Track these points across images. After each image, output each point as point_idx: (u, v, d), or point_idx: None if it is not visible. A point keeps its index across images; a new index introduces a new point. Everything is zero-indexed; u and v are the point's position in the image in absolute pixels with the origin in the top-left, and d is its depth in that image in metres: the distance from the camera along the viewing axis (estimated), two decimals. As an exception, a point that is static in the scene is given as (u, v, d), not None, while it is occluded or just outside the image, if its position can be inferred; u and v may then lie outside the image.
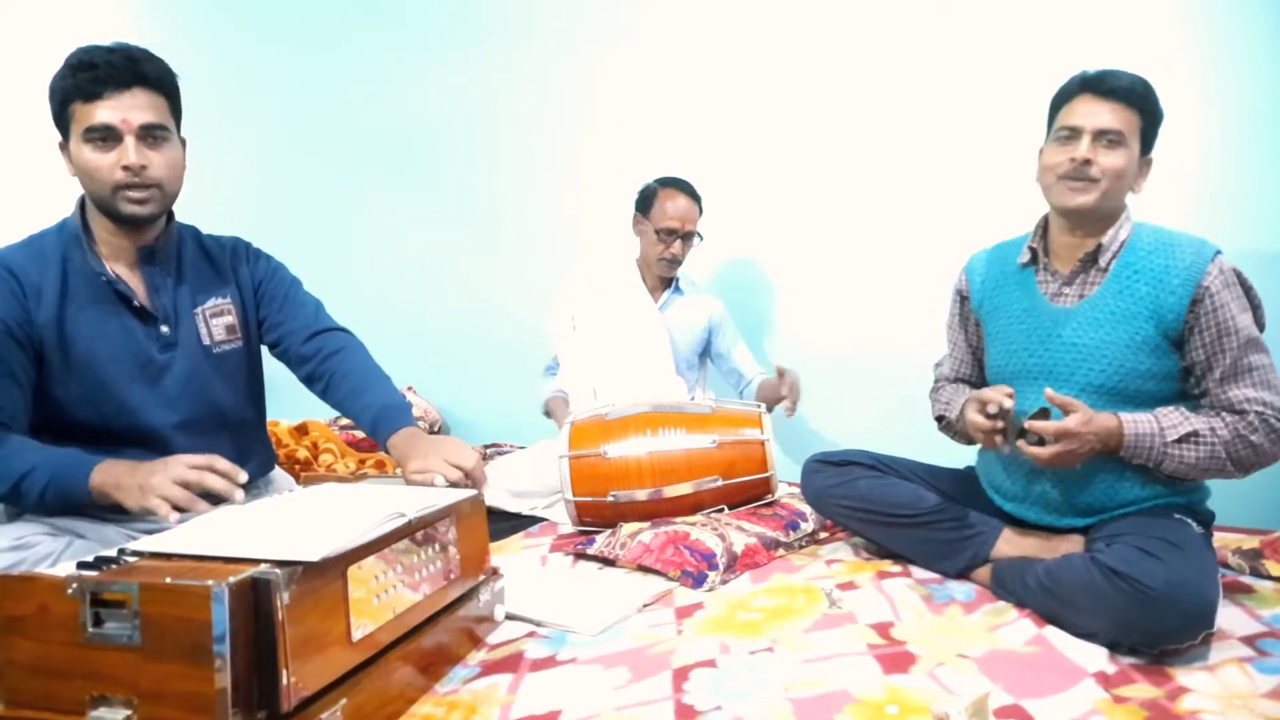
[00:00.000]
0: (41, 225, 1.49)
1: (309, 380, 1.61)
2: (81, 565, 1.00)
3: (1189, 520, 1.43)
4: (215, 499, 1.26)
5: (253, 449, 1.64)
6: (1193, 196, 2.08)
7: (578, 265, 2.75)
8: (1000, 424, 1.47)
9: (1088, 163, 1.44)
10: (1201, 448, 1.40)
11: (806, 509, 1.92)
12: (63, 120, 1.38)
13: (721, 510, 1.98)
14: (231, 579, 0.91)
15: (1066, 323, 1.51)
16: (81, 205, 1.46)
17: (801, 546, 1.86)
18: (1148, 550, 1.28)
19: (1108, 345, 1.46)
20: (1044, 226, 1.59)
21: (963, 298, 1.74)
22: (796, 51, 2.60)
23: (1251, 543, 1.65)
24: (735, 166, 2.70)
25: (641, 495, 1.96)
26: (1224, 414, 1.42)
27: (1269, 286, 1.95)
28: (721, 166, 2.70)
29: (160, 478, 1.26)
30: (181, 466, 1.27)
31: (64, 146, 1.41)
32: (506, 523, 2.14)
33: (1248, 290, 1.45)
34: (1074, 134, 1.46)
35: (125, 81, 1.34)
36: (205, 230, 1.63)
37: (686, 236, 2.37)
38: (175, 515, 1.23)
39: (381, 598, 1.11)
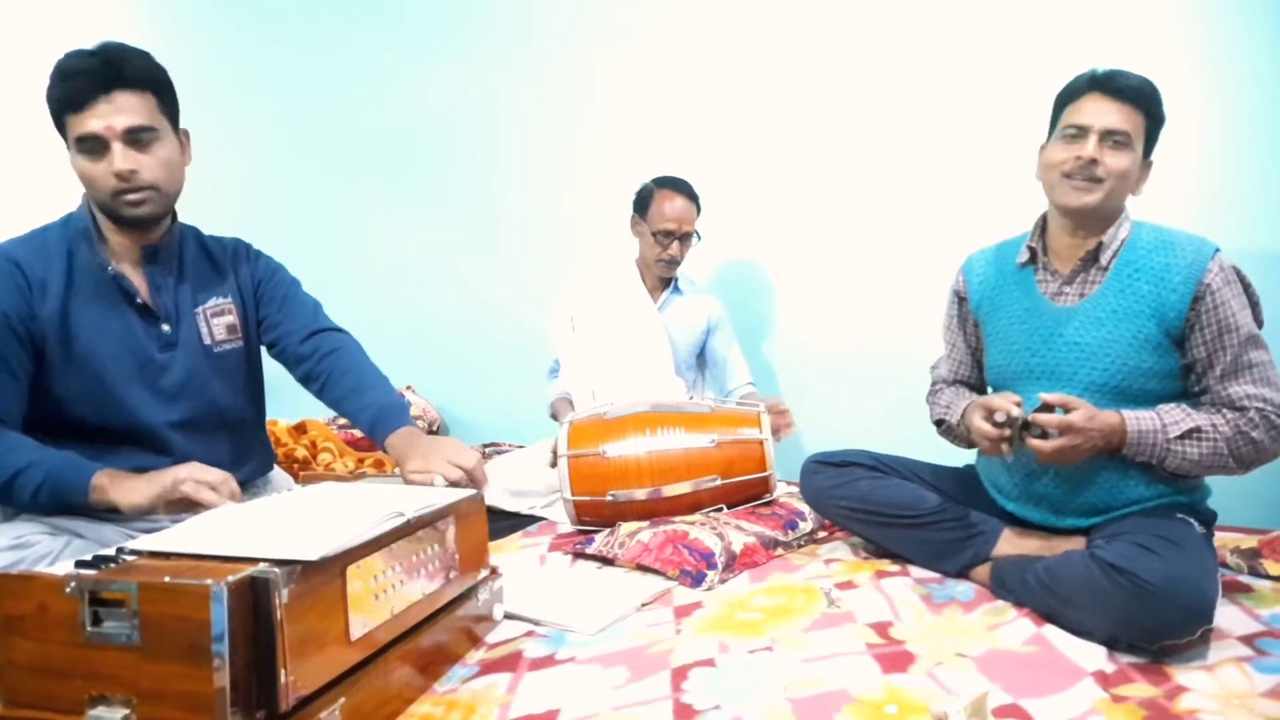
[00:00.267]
0: (43, 222, 1.49)
1: (305, 379, 1.62)
2: (80, 564, 1.00)
3: (1190, 520, 1.43)
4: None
5: (252, 449, 1.65)
6: (1193, 196, 2.08)
7: (578, 265, 2.75)
8: (1007, 432, 1.45)
9: (1094, 162, 1.43)
10: (1204, 444, 1.41)
11: (805, 508, 1.92)
12: (61, 129, 1.38)
13: (720, 509, 1.98)
14: (230, 578, 0.91)
15: (1068, 322, 1.51)
16: (88, 201, 1.46)
17: (800, 546, 1.86)
18: (1147, 546, 1.28)
19: (1110, 344, 1.46)
20: (1042, 226, 1.59)
21: (960, 298, 1.74)
22: (797, 51, 2.60)
23: (1250, 542, 1.65)
24: (735, 166, 2.70)
25: (640, 494, 1.96)
26: (1225, 410, 1.42)
27: (1269, 286, 1.96)
28: (721, 166, 2.70)
29: (169, 482, 1.27)
30: (194, 479, 1.27)
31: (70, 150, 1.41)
32: (505, 522, 2.14)
33: (1247, 287, 1.45)
34: (1081, 133, 1.45)
35: (105, 86, 1.33)
36: (205, 230, 1.64)
37: (684, 237, 2.37)
38: (178, 509, 1.24)
39: (380, 597, 1.11)
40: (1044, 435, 1.42)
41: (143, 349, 1.46)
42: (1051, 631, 1.34)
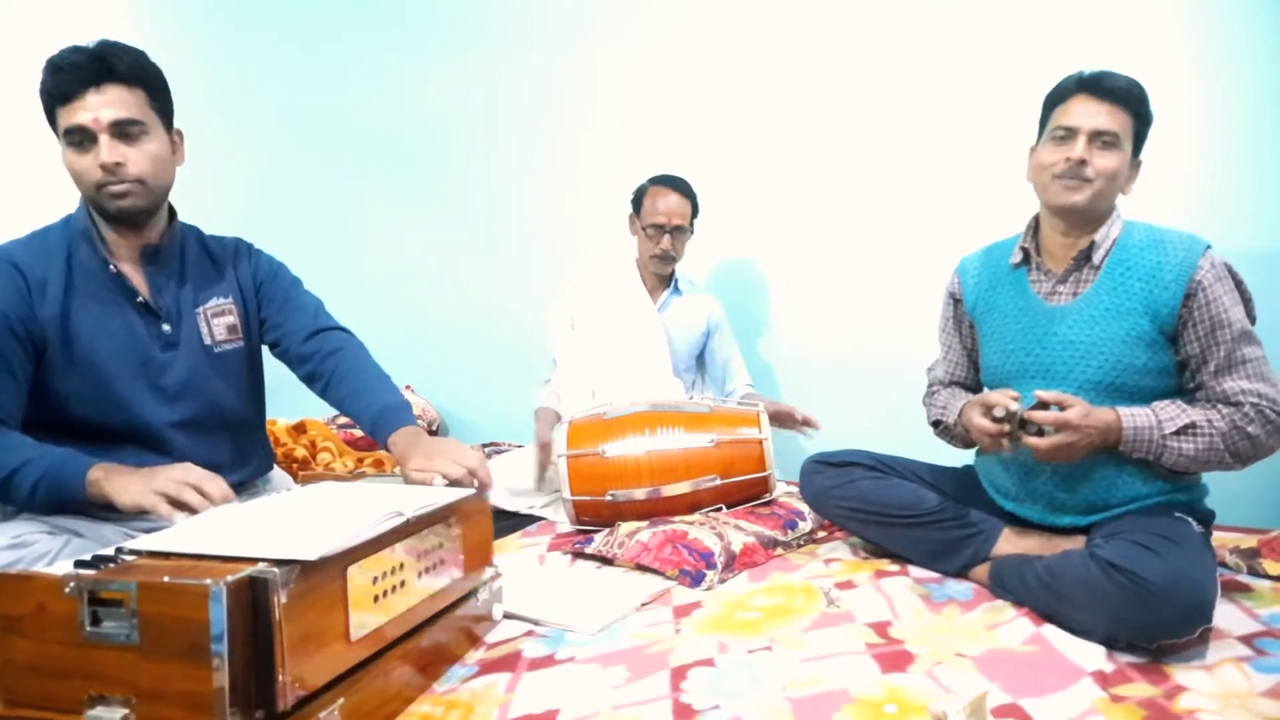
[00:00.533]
0: (42, 222, 1.49)
1: (309, 379, 1.61)
2: (79, 564, 1.00)
3: (1189, 519, 1.43)
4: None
5: (252, 449, 1.64)
6: (1193, 196, 2.08)
7: (578, 265, 2.75)
8: (1006, 427, 1.46)
9: (1083, 163, 1.45)
10: (1200, 439, 1.41)
11: (804, 508, 1.92)
12: (52, 123, 1.39)
13: (720, 509, 1.98)
14: (229, 578, 0.91)
15: (1062, 320, 1.52)
16: (86, 201, 1.46)
17: (800, 545, 1.86)
18: (1146, 545, 1.28)
19: (1104, 341, 1.47)
20: (1035, 226, 1.60)
21: (955, 300, 1.75)
22: (797, 51, 2.60)
23: (1249, 542, 1.65)
24: (735, 166, 2.70)
25: (640, 494, 1.96)
26: (1220, 406, 1.42)
27: (1270, 286, 1.96)
28: (721, 167, 2.70)
29: (162, 479, 1.26)
30: (178, 479, 1.27)
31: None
32: (504, 521, 2.14)
33: (1239, 284, 1.46)
34: (1070, 134, 1.47)
35: (94, 80, 1.34)
36: (205, 230, 1.63)
37: (675, 231, 2.37)
38: (166, 509, 1.23)
39: (381, 597, 1.11)
40: (1040, 433, 1.43)
41: (144, 349, 1.46)
42: (1051, 631, 1.34)
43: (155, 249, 1.48)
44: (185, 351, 1.50)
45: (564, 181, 3.04)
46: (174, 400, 1.48)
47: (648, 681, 1.23)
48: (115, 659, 0.92)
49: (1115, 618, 1.25)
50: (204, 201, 2.00)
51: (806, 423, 2.25)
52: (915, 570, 1.65)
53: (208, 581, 0.89)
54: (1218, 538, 1.68)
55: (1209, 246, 1.45)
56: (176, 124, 1.49)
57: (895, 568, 1.67)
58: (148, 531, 1.17)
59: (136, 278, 1.47)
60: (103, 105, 1.35)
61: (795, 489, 1.92)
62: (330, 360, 1.59)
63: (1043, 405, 1.43)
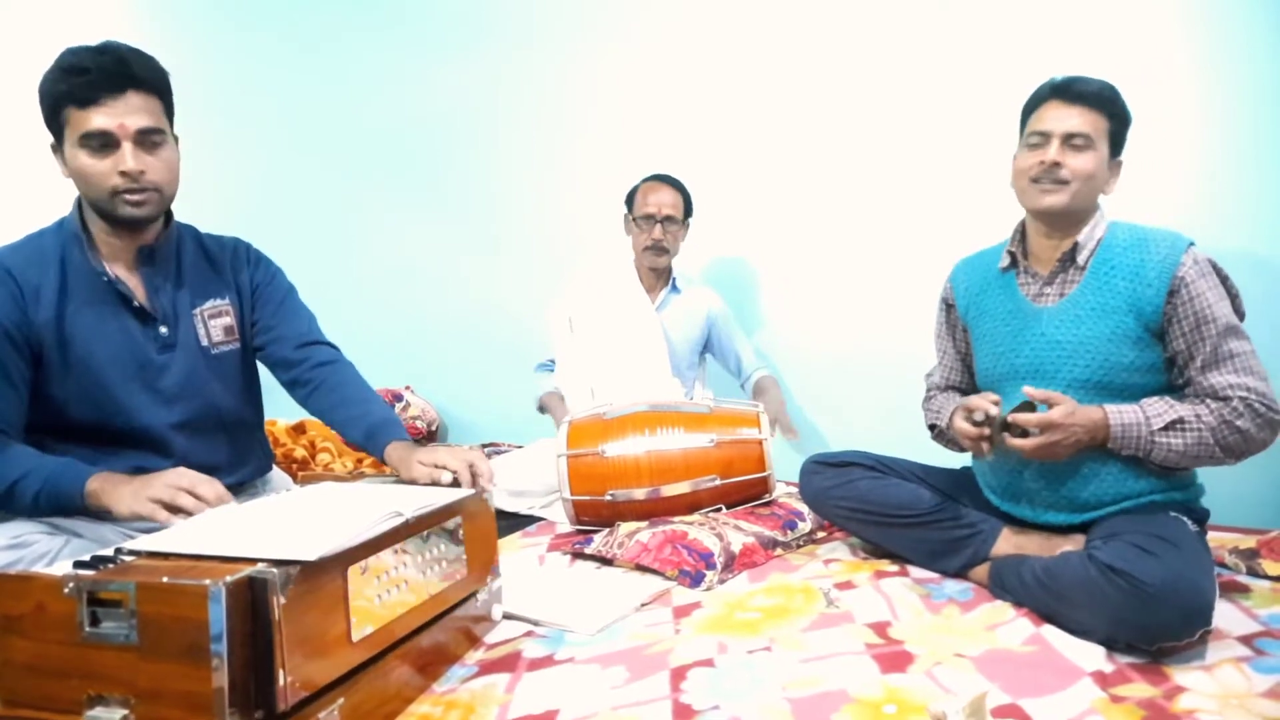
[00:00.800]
0: (38, 224, 1.48)
1: (291, 384, 1.61)
2: (78, 564, 1.00)
3: (1184, 518, 1.44)
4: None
5: (250, 449, 1.65)
6: (1193, 196, 2.07)
7: (577, 265, 2.76)
8: (986, 430, 1.49)
9: (1057, 165, 1.48)
10: (1188, 434, 1.42)
11: (804, 508, 1.92)
12: (55, 123, 1.37)
13: (719, 509, 1.98)
14: (229, 578, 0.91)
15: (1049, 321, 1.54)
16: (79, 205, 1.45)
17: (799, 546, 1.86)
18: (1145, 548, 1.28)
19: (1090, 340, 1.49)
20: (1021, 231, 1.63)
21: (948, 306, 1.78)
22: (797, 50, 2.60)
23: (1248, 542, 1.65)
24: (736, 166, 2.70)
25: (639, 494, 1.96)
26: (1209, 401, 1.43)
27: (1269, 285, 1.96)
28: (722, 166, 2.70)
29: (156, 486, 1.27)
30: (172, 484, 1.27)
31: (56, 148, 1.40)
32: (504, 522, 2.13)
33: (1224, 280, 1.47)
34: (1044, 139, 1.51)
35: (119, 86, 1.34)
36: (205, 230, 1.63)
37: (666, 221, 2.39)
38: (164, 516, 1.24)
39: (384, 597, 1.11)
40: (1025, 434, 1.44)
41: (141, 351, 1.46)
42: (1050, 631, 1.34)
43: (151, 250, 1.48)
44: (182, 353, 1.50)
45: (564, 181, 3.04)
46: (172, 402, 1.48)
47: (647, 682, 1.23)
48: (114, 659, 0.92)
49: (1114, 620, 1.25)
50: (204, 201, 2.00)
51: (784, 430, 2.26)
52: (915, 571, 1.65)
53: (207, 582, 0.89)
54: (1217, 538, 1.68)
55: (1192, 244, 1.47)
56: (175, 125, 1.49)
57: (895, 568, 1.67)
58: (147, 532, 1.17)
59: (132, 280, 1.47)
60: (128, 112, 1.34)
61: (795, 489, 1.92)
62: (320, 370, 1.59)
63: (1030, 404, 1.45)
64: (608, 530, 1.88)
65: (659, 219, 2.38)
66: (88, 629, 0.93)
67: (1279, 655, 1.24)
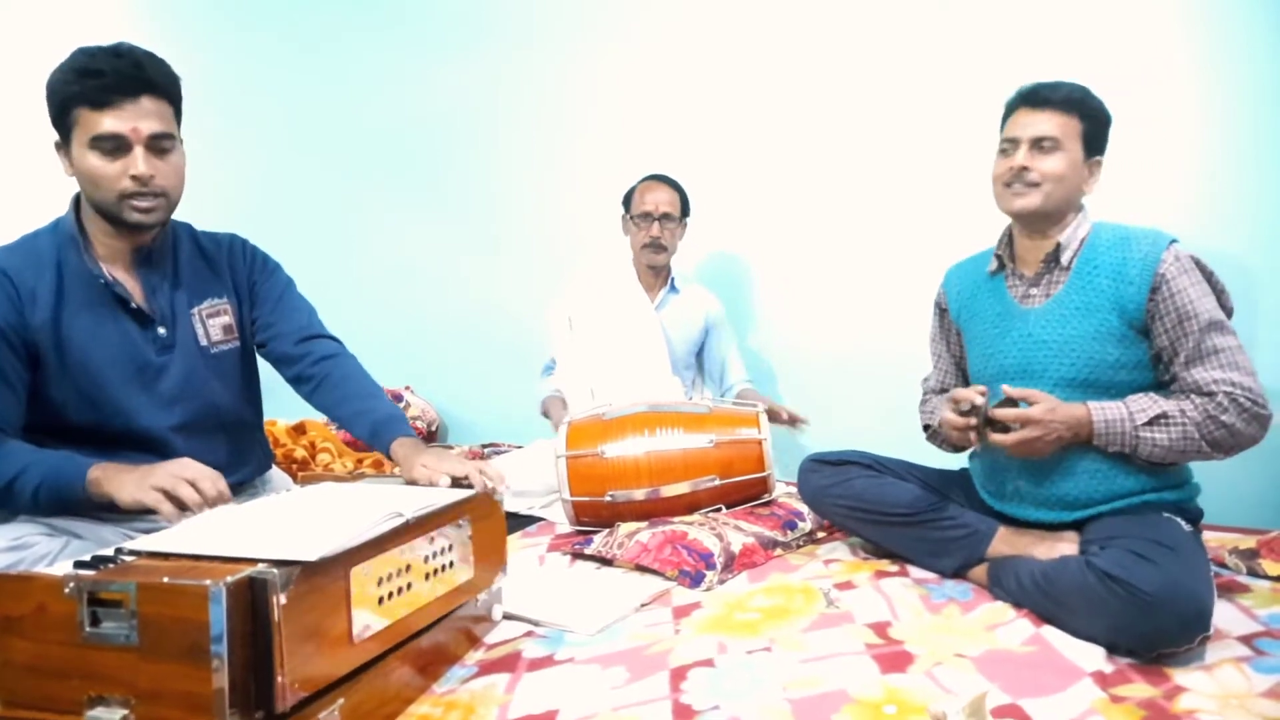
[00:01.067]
0: (37, 224, 1.48)
1: (296, 381, 1.61)
2: (79, 564, 1.00)
3: (1178, 519, 1.44)
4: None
5: (250, 449, 1.64)
6: (1193, 196, 2.08)
7: (577, 265, 2.76)
8: (973, 420, 1.51)
9: (1025, 169, 1.52)
10: (1173, 429, 1.42)
11: (804, 508, 1.92)
12: (64, 123, 1.36)
13: (719, 510, 1.98)
14: (229, 579, 0.91)
15: (1035, 321, 1.56)
16: (76, 205, 1.45)
17: (799, 546, 1.86)
18: (1142, 554, 1.28)
19: (1075, 339, 1.50)
20: (1008, 235, 1.65)
21: (942, 310, 1.81)
22: (797, 50, 2.60)
23: (1248, 542, 1.65)
24: (736, 166, 2.70)
25: (639, 495, 1.96)
26: (1193, 396, 1.44)
27: (1270, 285, 1.96)
28: (723, 166, 2.70)
29: (160, 474, 1.26)
30: (174, 474, 1.27)
31: (61, 147, 1.40)
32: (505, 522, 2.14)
33: (1209, 276, 1.48)
34: (1013, 144, 1.55)
35: (134, 90, 1.34)
36: (203, 229, 1.63)
37: (664, 219, 2.39)
38: (169, 508, 1.23)
39: (390, 598, 1.11)
40: (1007, 429, 1.46)
41: (139, 353, 1.45)
42: (1050, 632, 1.34)
43: (148, 251, 1.48)
44: (181, 354, 1.50)
45: (564, 181, 3.04)
46: (171, 403, 1.48)
47: (647, 682, 1.23)
48: (115, 660, 0.92)
49: (1113, 627, 1.25)
50: (204, 201, 2.00)
51: (793, 420, 2.27)
52: (914, 571, 1.65)
53: (207, 582, 0.89)
54: (1217, 538, 1.68)
55: (1174, 241, 1.48)
56: (177, 125, 1.49)
57: (895, 568, 1.67)
58: (147, 532, 1.17)
59: (130, 282, 1.46)
60: (142, 117, 1.35)
61: (794, 489, 1.92)
62: (323, 365, 1.59)
63: (1011, 401, 1.47)
64: (607, 531, 1.88)
65: (656, 217, 2.39)
66: (88, 629, 0.93)
67: (1279, 655, 1.24)
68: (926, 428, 1.81)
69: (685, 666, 1.27)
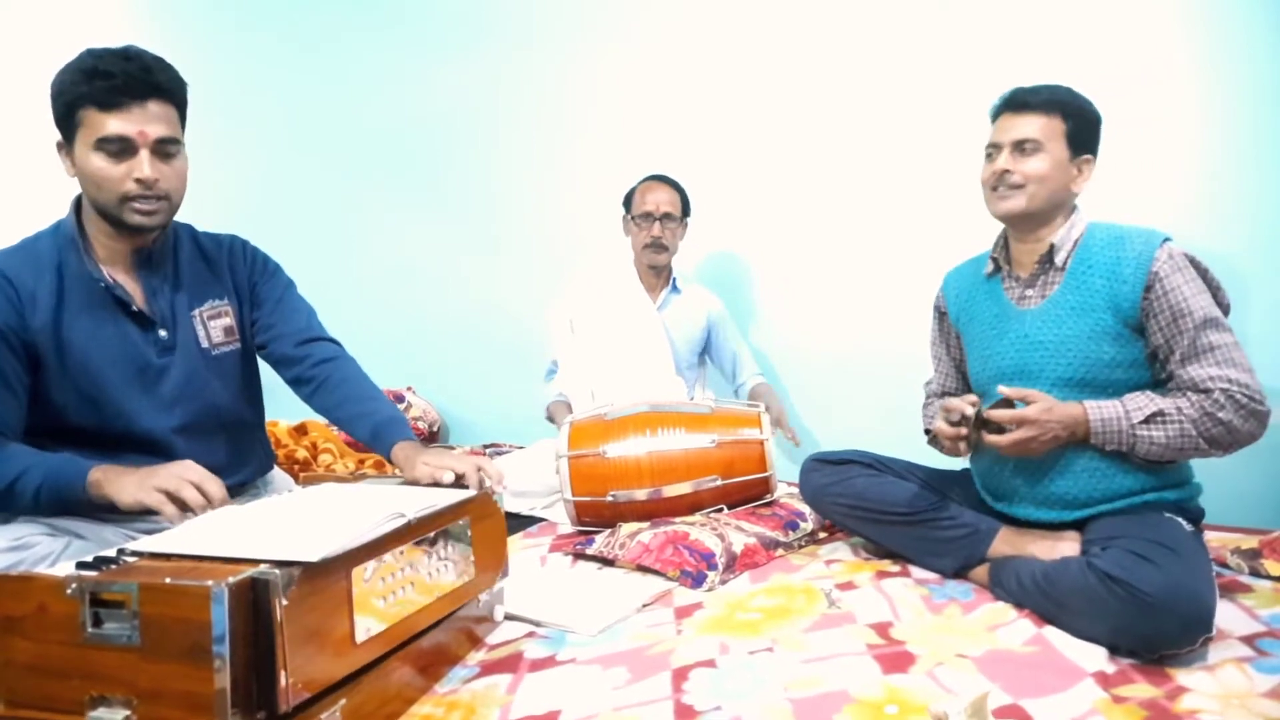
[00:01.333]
0: (37, 226, 1.48)
1: (296, 382, 1.61)
2: (81, 565, 1.00)
3: (1179, 519, 1.44)
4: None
5: (251, 450, 1.64)
6: (1193, 196, 2.08)
7: (578, 265, 2.76)
8: (964, 430, 1.52)
9: (1007, 172, 1.54)
10: (1170, 427, 1.42)
11: (805, 509, 1.92)
12: (68, 123, 1.36)
13: (720, 510, 1.98)
14: (231, 579, 0.91)
15: (1031, 322, 1.57)
16: (76, 207, 1.45)
17: (801, 546, 1.86)
18: (1143, 555, 1.28)
19: (1070, 339, 1.51)
20: (1004, 238, 1.67)
21: (941, 314, 1.82)
22: (798, 50, 2.60)
23: (1250, 542, 1.65)
24: (737, 166, 2.70)
25: (641, 495, 1.96)
26: (1190, 394, 1.44)
27: (1270, 284, 1.96)
28: (723, 166, 2.70)
29: (163, 476, 1.26)
30: (177, 476, 1.27)
31: (64, 148, 1.39)
32: (505, 522, 2.13)
33: (1204, 273, 1.49)
34: (996, 149, 1.58)
35: (142, 93, 1.34)
36: (203, 230, 1.63)
37: (665, 219, 2.39)
38: (171, 509, 1.23)
39: (388, 599, 1.11)
40: (1002, 430, 1.47)
41: (140, 355, 1.45)
42: (1052, 632, 1.34)
43: (149, 253, 1.48)
44: (182, 356, 1.50)
45: (564, 181, 3.04)
46: (172, 406, 1.48)
47: (649, 682, 1.23)
48: (116, 660, 0.92)
49: (1115, 629, 1.25)
50: (204, 201, 2.00)
51: (790, 437, 2.29)
52: (916, 571, 1.65)
53: (209, 583, 0.89)
54: (1219, 538, 1.68)
55: (1168, 239, 1.49)
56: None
57: (896, 569, 1.67)
58: (149, 533, 1.17)
59: (130, 284, 1.46)
60: (149, 120, 1.35)
61: (796, 489, 1.92)
62: (324, 366, 1.59)
63: (1007, 402, 1.47)
64: (609, 531, 1.88)
65: (657, 216, 2.39)
66: (90, 630, 0.93)
67: (1280, 655, 1.24)
68: (928, 431, 1.81)
69: (687, 667, 1.27)
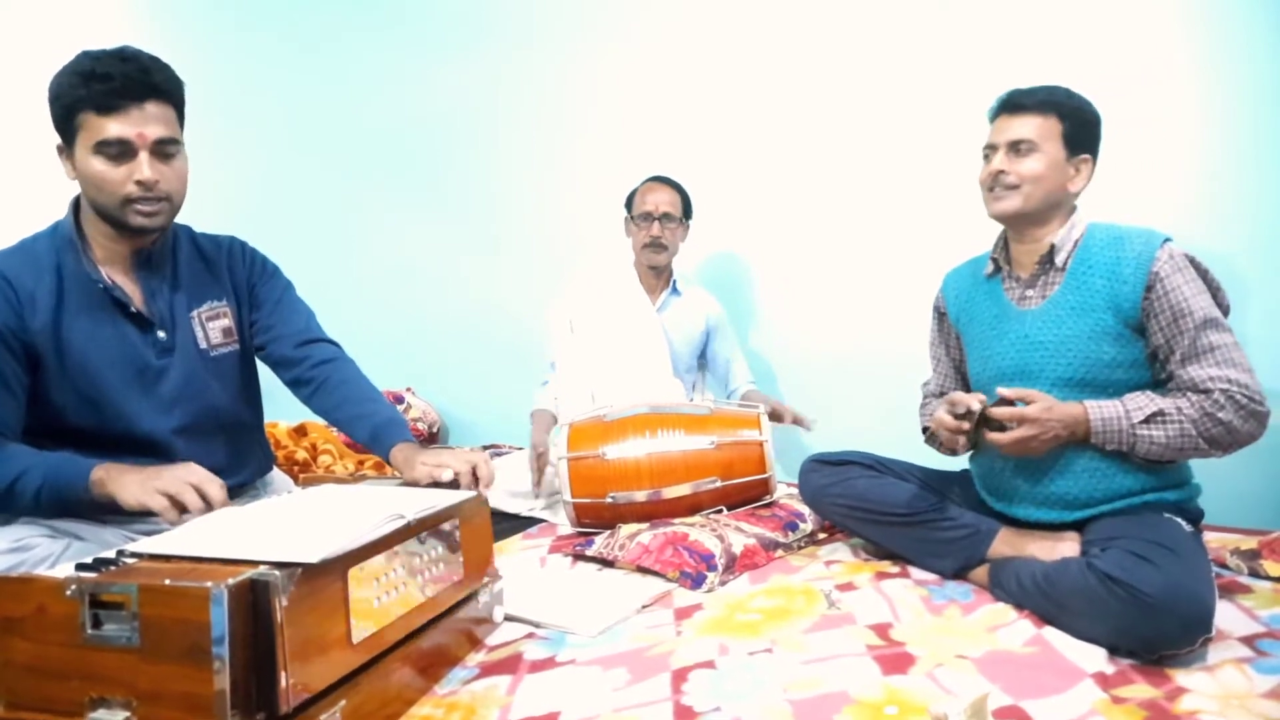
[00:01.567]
0: (35, 227, 1.48)
1: (294, 384, 1.61)
2: (80, 567, 1.00)
3: (1178, 520, 1.44)
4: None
5: (250, 451, 1.64)
6: (1193, 196, 2.08)
7: (577, 265, 2.75)
8: (966, 425, 1.51)
9: (1002, 173, 1.55)
10: (1170, 427, 1.42)
11: (805, 510, 1.92)
12: (68, 127, 1.36)
13: (720, 511, 1.98)
14: (230, 580, 0.91)
15: (1031, 323, 1.57)
16: (75, 209, 1.45)
17: (800, 547, 1.86)
18: (1143, 555, 1.28)
19: (1070, 339, 1.51)
20: (1004, 238, 1.67)
21: (941, 314, 1.82)
22: (798, 50, 2.60)
23: (1250, 543, 1.65)
24: (737, 166, 2.70)
25: (640, 496, 1.96)
26: (1190, 394, 1.44)
27: (1270, 284, 1.96)
28: (722, 166, 2.70)
29: (166, 477, 1.27)
30: (180, 478, 1.27)
31: (64, 150, 1.39)
32: (505, 524, 2.14)
33: (1204, 274, 1.49)
34: (992, 150, 1.59)
35: (140, 95, 1.33)
36: (202, 230, 1.63)
37: (665, 219, 2.40)
38: (173, 513, 1.23)
39: (383, 600, 1.11)
40: (1003, 429, 1.47)
41: (139, 357, 1.45)
42: (1051, 633, 1.34)
43: (148, 254, 1.47)
44: (181, 357, 1.50)
45: (564, 181, 3.04)
46: (171, 407, 1.48)
47: (649, 684, 1.23)
48: (116, 661, 0.92)
49: (1115, 629, 1.25)
50: (204, 201, 1.99)
51: (798, 420, 2.28)
52: (916, 572, 1.65)
53: (209, 584, 0.89)
54: (1218, 539, 1.68)
55: (1168, 239, 1.49)
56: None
57: (896, 569, 1.67)
58: (149, 534, 1.17)
59: (129, 285, 1.46)
60: (147, 122, 1.34)
61: (796, 490, 1.92)
62: (323, 368, 1.59)
63: (1007, 402, 1.47)
64: (609, 532, 1.88)
65: (656, 216, 2.39)
66: (89, 631, 0.93)
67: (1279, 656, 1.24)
68: (925, 430, 1.82)
69: (686, 668, 1.27)
